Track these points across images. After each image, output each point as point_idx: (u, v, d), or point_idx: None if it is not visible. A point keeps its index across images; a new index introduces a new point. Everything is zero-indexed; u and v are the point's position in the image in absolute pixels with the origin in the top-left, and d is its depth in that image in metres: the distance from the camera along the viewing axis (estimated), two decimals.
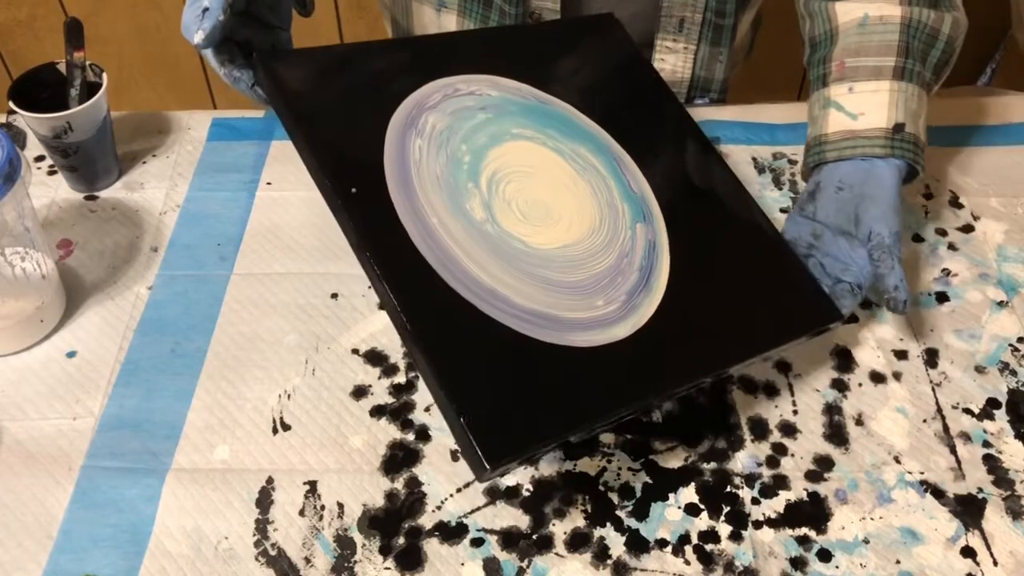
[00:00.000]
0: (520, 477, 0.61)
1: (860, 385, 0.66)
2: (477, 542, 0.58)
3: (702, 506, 0.59)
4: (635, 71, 0.75)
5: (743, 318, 0.62)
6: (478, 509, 0.59)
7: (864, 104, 0.70)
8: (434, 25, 0.88)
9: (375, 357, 0.68)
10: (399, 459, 0.62)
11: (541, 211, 0.61)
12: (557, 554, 0.57)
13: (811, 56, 0.77)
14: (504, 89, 0.66)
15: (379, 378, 0.67)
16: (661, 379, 0.57)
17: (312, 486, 0.60)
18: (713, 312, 0.61)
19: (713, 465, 0.62)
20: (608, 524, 0.59)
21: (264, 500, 0.60)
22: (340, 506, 0.60)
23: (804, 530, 0.58)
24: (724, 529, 0.58)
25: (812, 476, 0.61)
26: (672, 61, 0.86)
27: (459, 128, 0.62)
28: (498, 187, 0.61)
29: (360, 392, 0.66)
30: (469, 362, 0.53)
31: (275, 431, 0.64)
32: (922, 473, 0.61)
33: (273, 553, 0.57)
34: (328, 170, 0.57)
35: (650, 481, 0.61)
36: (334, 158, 0.58)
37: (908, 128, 0.69)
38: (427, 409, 0.65)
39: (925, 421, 0.64)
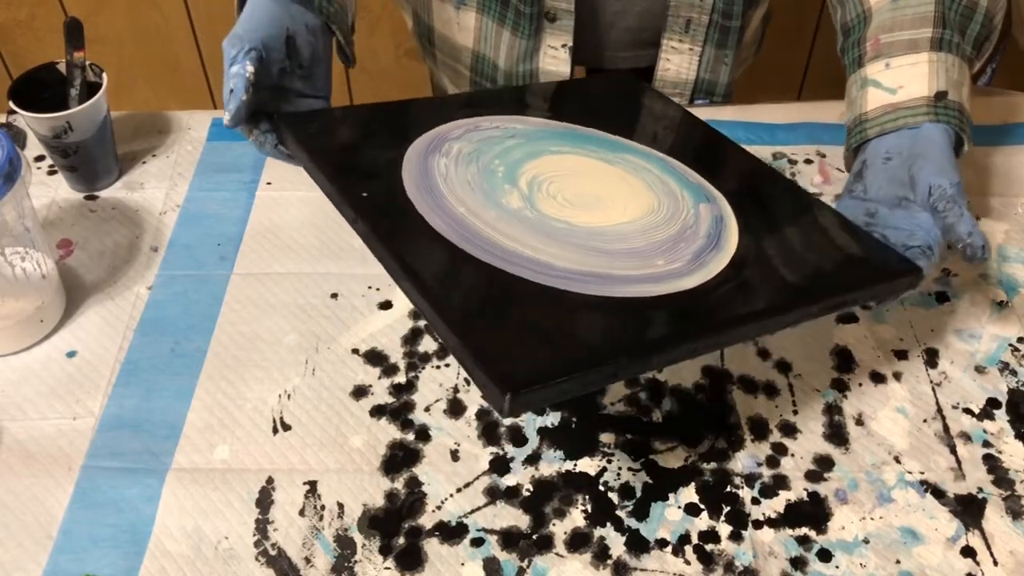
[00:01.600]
0: (520, 477, 0.61)
1: (860, 385, 0.66)
2: (477, 542, 0.58)
3: (702, 506, 0.59)
4: (659, 102, 0.75)
5: (819, 273, 0.59)
6: (478, 509, 0.59)
7: (902, 77, 0.67)
8: (453, 22, 0.88)
9: (375, 357, 0.68)
10: (399, 459, 0.62)
11: (590, 200, 0.58)
12: (557, 554, 0.57)
13: (844, 43, 0.74)
14: (532, 124, 0.66)
15: (379, 378, 0.67)
16: (723, 328, 0.53)
17: (312, 486, 0.60)
18: (787, 266, 0.59)
19: (713, 465, 0.62)
20: (608, 524, 0.59)
21: (264, 500, 0.60)
22: (340, 506, 0.60)
23: (804, 530, 0.58)
24: (724, 529, 0.58)
25: (812, 476, 0.61)
26: (677, 62, 0.86)
27: (488, 150, 0.62)
28: (540, 186, 0.59)
29: (360, 392, 0.66)
30: (490, 313, 0.50)
31: (275, 431, 0.64)
32: (922, 473, 0.61)
33: (273, 553, 0.57)
34: (347, 199, 0.57)
35: (650, 481, 0.61)
36: (352, 185, 0.58)
37: (951, 96, 0.65)
38: (427, 409, 0.65)
39: (925, 421, 0.64)
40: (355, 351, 0.68)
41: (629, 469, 0.61)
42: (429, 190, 0.57)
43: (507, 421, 0.64)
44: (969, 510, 0.59)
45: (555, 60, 0.84)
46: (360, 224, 0.57)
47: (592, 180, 0.60)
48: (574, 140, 0.64)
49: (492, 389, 0.45)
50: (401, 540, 0.58)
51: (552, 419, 0.64)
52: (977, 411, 0.64)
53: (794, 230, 0.63)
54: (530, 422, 0.64)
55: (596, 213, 0.57)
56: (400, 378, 0.67)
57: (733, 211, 0.62)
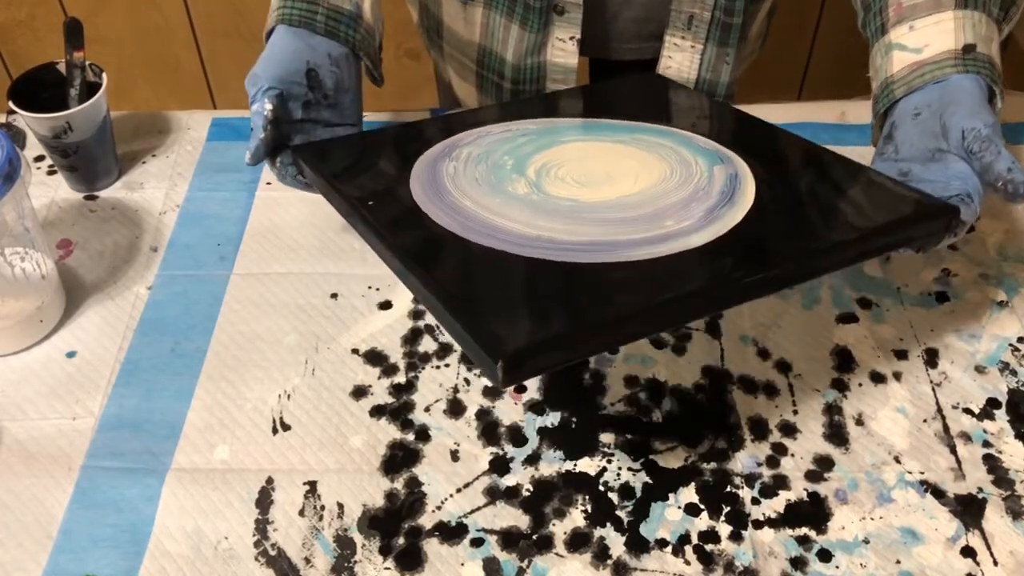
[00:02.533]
0: (520, 477, 0.61)
1: (860, 385, 0.66)
2: (477, 542, 0.58)
3: (702, 506, 0.59)
4: (682, 93, 0.75)
5: (846, 218, 0.57)
6: (478, 509, 0.59)
7: (927, 36, 0.64)
8: (460, 17, 0.88)
9: (375, 357, 0.68)
10: (399, 459, 0.62)
11: (599, 177, 0.57)
12: (557, 554, 0.57)
13: (865, 17, 0.72)
14: (545, 123, 0.66)
15: (379, 378, 0.67)
16: (738, 280, 0.52)
17: (312, 486, 0.60)
18: (811, 214, 0.57)
19: (713, 465, 0.62)
20: (608, 524, 0.59)
21: (264, 500, 0.60)
22: (340, 506, 0.60)
23: (804, 530, 0.58)
24: (724, 529, 0.58)
25: (812, 476, 0.61)
26: (679, 60, 0.86)
27: (498, 149, 0.62)
28: (549, 172, 0.59)
29: (360, 392, 0.66)
30: (483, 288, 0.50)
31: (275, 431, 0.64)
32: (922, 473, 0.61)
33: (273, 553, 0.57)
34: (357, 212, 0.58)
35: (650, 481, 0.61)
36: (366, 199, 0.59)
37: (980, 49, 0.62)
38: (427, 409, 0.65)
39: (925, 421, 0.64)
40: (355, 351, 0.68)
41: (629, 469, 0.61)
42: (436, 190, 0.58)
43: (507, 421, 0.64)
44: (969, 510, 0.59)
45: (563, 52, 0.85)
46: (361, 226, 0.57)
47: (602, 160, 0.59)
48: (587, 130, 0.64)
49: (485, 359, 0.45)
50: (401, 540, 0.58)
51: (552, 419, 0.64)
52: (977, 411, 0.64)
53: (818, 180, 0.61)
54: (530, 422, 0.64)
55: (605, 189, 0.56)
56: (400, 378, 0.67)
57: (751, 169, 0.61)
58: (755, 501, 0.60)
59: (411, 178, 0.60)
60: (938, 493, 0.60)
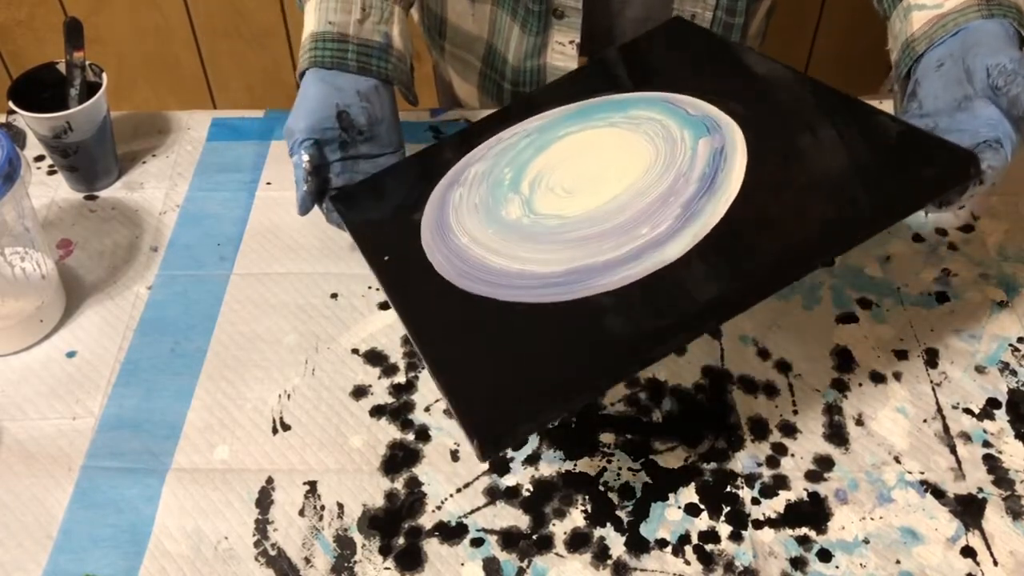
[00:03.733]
0: (520, 477, 0.61)
1: (860, 385, 0.66)
2: (477, 542, 0.58)
3: (702, 506, 0.59)
4: (689, 32, 0.73)
5: (847, 187, 0.54)
6: (478, 509, 0.59)
7: None
8: (468, 14, 0.88)
9: (375, 357, 0.68)
10: (399, 459, 0.62)
11: (587, 179, 0.59)
12: (557, 554, 0.57)
13: None
14: (546, 116, 0.66)
15: (379, 378, 0.67)
16: (728, 288, 0.51)
17: (312, 486, 0.60)
18: (806, 189, 0.54)
19: (713, 465, 0.62)
20: (608, 524, 0.59)
21: (264, 500, 0.60)
22: (340, 506, 0.60)
23: (804, 530, 0.58)
24: (724, 529, 0.58)
25: (812, 476, 0.61)
26: None
27: (502, 160, 0.63)
28: (541, 182, 0.60)
29: (360, 392, 0.66)
30: (467, 351, 0.53)
31: (275, 431, 0.64)
32: (922, 473, 0.61)
33: (273, 553, 0.57)
34: (377, 269, 0.62)
35: (650, 481, 0.61)
36: (383, 254, 0.63)
37: None
38: (427, 409, 0.65)
39: (925, 421, 0.64)
40: (355, 351, 0.68)
41: (629, 469, 0.61)
42: (441, 231, 0.60)
43: None
44: (969, 510, 0.59)
45: (562, 56, 0.85)
46: (382, 284, 0.61)
47: (593, 154, 0.60)
48: (584, 116, 0.65)
49: (469, 436, 0.49)
50: (401, 540, 0.58)
51: None
52: (977, 411, 0.64)
53: (818, 140, 0.58)
54: None
55: (590, 195, 0.57)
56: (400, 378, 0.67)
57: (746, 133, 0.59)
58: (755, 501, 0.60)
59: (423, 220, 0.63)
60: (938, 493, 0.60)
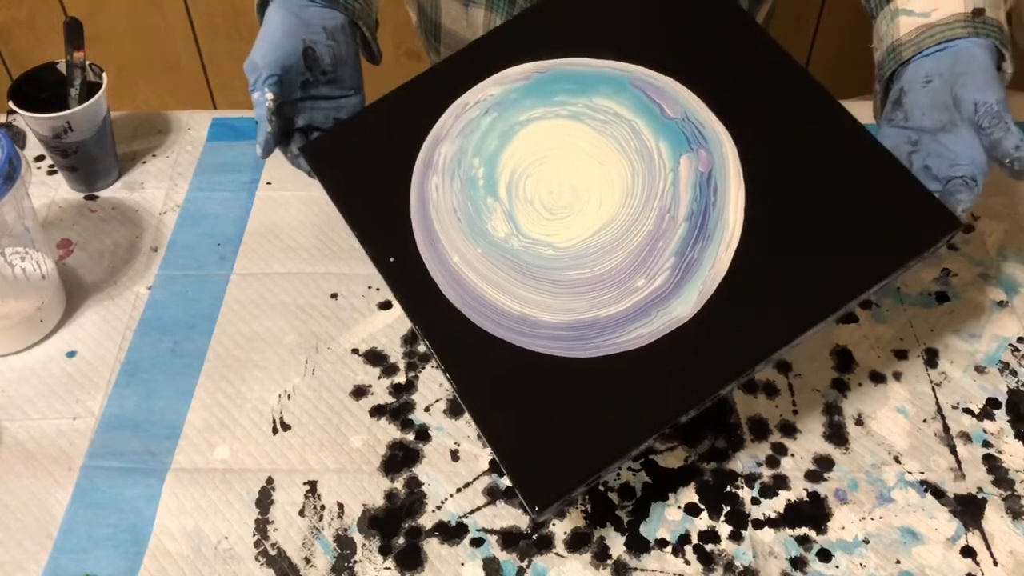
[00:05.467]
0: None
1: (860, 385, 0.66)
2: (477, 542, 0.58)
3: (702, 506, 0.59)
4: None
5: (842, 250, 0.55)
6: (478, 509, 0.59)
7: (935, 1, 0.63)
8: (462, 19, 0.88)
9: (375, 357, 0.68)
10: (399, 459, 0.62)
11: (567, 197, 0.59)
12: (557, 554, 0.57)
13: None
14: (506, 81, 0.65)
15: (379, 378, 0.67)
16: (739, 354, 0.53)
17: (312, 486, 0.60)
18: (804, 251, 0.55)
19: (713, 465, 0.62)
20: (608, 524, 0.59)
21: (264, 500, 0.60)
22: (340, 506, 0.60)
23: (804, 530, 0.58)
24: (724, 529, 0.58)
25: (812, 476, 0.61)
26: None
27: (468, 145, 0.62)
28: (517, 188, 0.60)
29: (360, 392, 0.66)
30: (507, 406, 0.54)
31: (275, 431, 0.64)
32: (922, 473, 0.61)
33: (273, 553, 0.57)
34: (368, 240, 0.60)
35: (650, 481, 0.61)
36: (372, 227, 0.61)
37: (989, 13, 0.62)
38: (427, 409, 0.65)
39: (925, 421, 0.64)
40: (355, 351, 0.68)
41: (629, 469, 0.61)
42: (428, 235, 0.59)
43: None
44: (969, 510, 0.59)
45: None
46: (385, 278, 0.60)
47: (564, 165, 0.60)
48: (542, 96, 0.62)
49: (525, 503, 0.52)
50: (401, 540, 0.58)
51: None
52: (977, 411, 0.64)
53: (815, 175, 0.57)
54: None
55: (575, 222, 0.58)
56: (400, 378, 0.67)
57: (734, 143, 0.58)
58: (755, 501, 0.60)
59: (411, 212, 0.61)
60: (938, 493, 0.60)
